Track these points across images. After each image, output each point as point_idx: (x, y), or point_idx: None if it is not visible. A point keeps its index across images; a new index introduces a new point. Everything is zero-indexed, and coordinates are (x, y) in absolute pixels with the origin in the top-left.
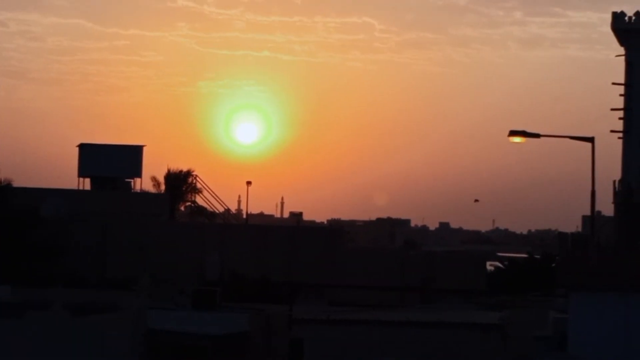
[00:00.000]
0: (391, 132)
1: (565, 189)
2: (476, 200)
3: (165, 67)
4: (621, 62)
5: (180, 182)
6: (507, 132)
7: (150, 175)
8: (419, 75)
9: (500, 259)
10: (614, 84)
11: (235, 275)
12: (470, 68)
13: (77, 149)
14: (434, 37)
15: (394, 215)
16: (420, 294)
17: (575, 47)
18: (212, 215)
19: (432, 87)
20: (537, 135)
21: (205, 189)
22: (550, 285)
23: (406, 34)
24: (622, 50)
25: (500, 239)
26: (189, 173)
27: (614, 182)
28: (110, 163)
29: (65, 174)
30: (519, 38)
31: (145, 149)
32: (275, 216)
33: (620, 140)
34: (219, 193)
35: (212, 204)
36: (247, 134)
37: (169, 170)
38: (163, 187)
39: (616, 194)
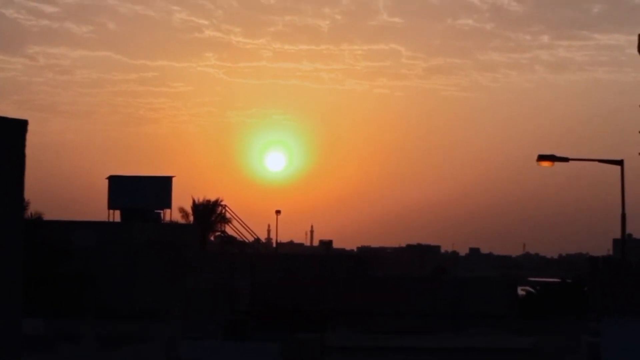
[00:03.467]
0: (419, 158)
1: (595, 212)
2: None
3: (194, 97)
4: None
5: (209, 212)
6: (536, 157)
7: (179, 206)
8: (446, 100)
9: (532, 284)
10: None
11: (266, 304)
12: (497, 93)
13: (106, 181)
14: (460, 62)
15: (424, 241)
16: (451, 319)
17: (603, 69)
18: (242, 244)
19: (459, 112)
20: (565, 160)
21: (235, 218)
22: (583, 309)
23: (433, 59)
24: None
25: (530, 263)
26: (217, 203)
27: None
28: (139, 194)
29: (95, 206)
30: (546, 62)
31: (175, 180)
32: (305, 244)
33: None
34: (248, 222)
35: (242, 234)
36: (275, 162)
37: (194, 201)
38: (192, 217)
39: None
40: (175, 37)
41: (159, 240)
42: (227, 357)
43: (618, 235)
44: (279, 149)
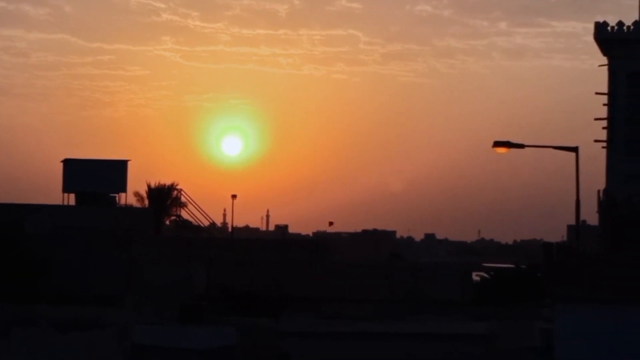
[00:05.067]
0: (377, 143)
1: (550, 199)
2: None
3: (151, 81)
4: (604, 72)
5: (164, 196)
6: (492, 143)
7: (134, 190)
8: (404, 86)
9: (486, 270)
10: (597, 93)
11: (221, 289)
12: (454, 79)
13: (61, 164)
14: (418, 48)
15: (380, 227)
16: (406, 305)
17: (559, 57)
18: (198, 229)
19: (417, 98)
20: (521, 146)
21: (190, 202)
22: (537, 295)
23: (391, 45)
24: (605, 60)
25: (485, 249)
26: (172, 187)
27: (598, 191)
28: (94, 178)
29: (50, 189)
30: (503, 48)
31: (130, 164)
32: (261, 229)
33: (604, 150)
34: (204, 207)
35: (197, 218)
36: (232, 147)
37: (149, 185)
38: (147, 201)
39: (600, 203)
40: (132, 21)
41: (114, 225)
42: (182, 341)
43: (572, 221)
44: (235, 133)
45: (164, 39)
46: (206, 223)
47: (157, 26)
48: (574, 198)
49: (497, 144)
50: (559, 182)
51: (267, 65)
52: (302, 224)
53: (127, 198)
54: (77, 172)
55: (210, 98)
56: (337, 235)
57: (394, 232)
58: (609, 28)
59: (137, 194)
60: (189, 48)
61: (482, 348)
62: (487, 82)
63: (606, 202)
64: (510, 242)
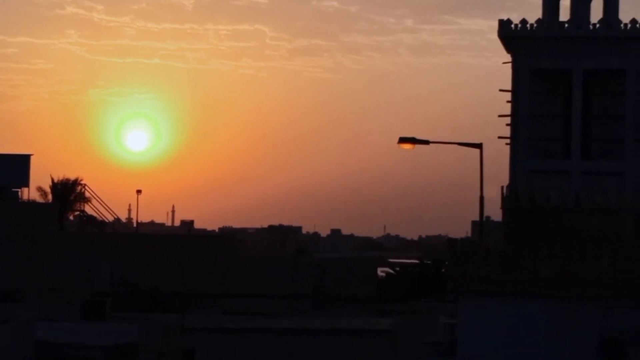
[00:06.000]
0: (283, 139)
1: (456, 194)
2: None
3: (55, 75)
4: (508, 69)
5: (68, 191)
6: (397, 139)
7: (37, 185)
8: (311, 82)
9: (392, 265)
10: (501, 90)
11: (125, 285)
12: (361, 75)
13: None
14: (325, 44)
15: (286, 222)
16: (311, 301)
17: (465, 54)
18: (102, 224)
19: (324, 94)
20: (426, 142)
21: (95, 197)
22: (441, 290)
23: (297, 41)
24: (509, 57)
25: (391, 245)
26: (76, 182)
27: (502, 187)
28: None
29: None
30: (409, 45)
31: (33, 158)
32: (167, 224)
33: (508, 146)
34: (109, 202)
35: (102, 213)
36: (137, 142)
37: (53, 180)
38: (50, 196)
39: (504, 199)
40: (36, 13)
41: (17, 219)
42: (85, 338)
43: (477, 217)
44: (141, 128)
45: (68, 32)
46: (111, 218)
47: (62, 19)
48: (478, 194)
49: (403, 140)
50: (463, 178)
51: (174, 60)
52: (208, 220)
53: (30, 193)
54: None
55: (115, 92)
56: (243, 231)
57: (300, 228)
58: (512, 26)
59: (40, 189)
60: (94, 42)
61: (385, 344)
62: (394, 78)
63: (509, 198)
64: (415, 237)
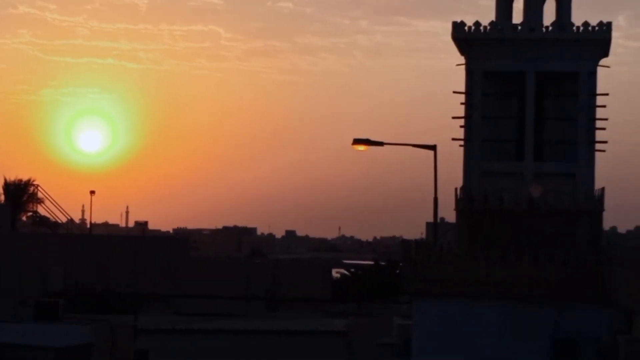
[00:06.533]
0: (238, 141)
1: (410, 196)
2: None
3: (7, 75)
4: (462, 71)
5: (20, 192)
6: (352, 140)
7: None
8: (266, 83)
9: (346, 267)
10: (455, 92)
11: (79, 286)
12: (316, 76)
13: None
14: (280, 45)
15: (240, 223)
16: (265, 302)
17: (419, 55)
18: (55, 225)
19: (279, 95)
20: (380, 144)
21: (48, 198)
22: (395, 292)
23: (252, 42)
24: (462, 59)
25: (346, 246)
26: (29, 182)
27: (456, 189)
28: None
29: None
30: (364, 47)
31: None
32: (120, 226)
33: (462, 148)
34: (62, 203)
35: (55, 214)
36: (91, 142)
37: (6, 180)
38: (2, 197)
39: (458, 200)
40: None
41: None
42: (37, 339)
43: (431, 218)
44: (95, 129)
45: (21, 32)
46: (64, 219)
47: (14, 19)
48: (433, 195)
49: (357, 141)
50: (418, 179)
51: (127, 60)
52: (162, 221)
53: None
54: None
55: (69, 92)
56: (198, 232)
57: (254, 229)
58: (466, 28)
59: None
60: (47, 41)
61: (340, 345)
62: (349, 79)
63: (463, 199)
64: (370, 239)
